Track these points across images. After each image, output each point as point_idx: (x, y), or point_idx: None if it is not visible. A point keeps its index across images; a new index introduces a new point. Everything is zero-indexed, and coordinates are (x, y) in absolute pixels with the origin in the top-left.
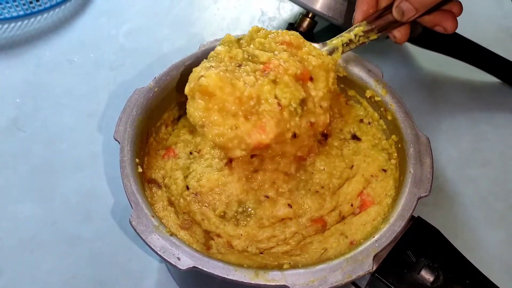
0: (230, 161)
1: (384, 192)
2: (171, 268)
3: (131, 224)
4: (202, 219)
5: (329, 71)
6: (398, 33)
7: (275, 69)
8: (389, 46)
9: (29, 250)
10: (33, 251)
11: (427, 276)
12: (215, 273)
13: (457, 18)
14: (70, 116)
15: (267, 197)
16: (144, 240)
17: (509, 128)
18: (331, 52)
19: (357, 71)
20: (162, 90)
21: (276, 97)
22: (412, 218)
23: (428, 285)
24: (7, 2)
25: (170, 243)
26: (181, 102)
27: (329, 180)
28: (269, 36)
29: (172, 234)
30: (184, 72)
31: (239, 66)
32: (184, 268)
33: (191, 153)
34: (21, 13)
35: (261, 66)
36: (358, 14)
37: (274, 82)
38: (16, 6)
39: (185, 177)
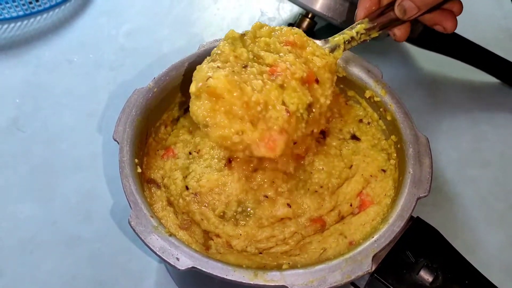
0: (229, 161)
1: (384, 192)
2: (170, 268)
3: (130, 224)
4: (202, 219)
5: (333, 72)
6: (398, 31)
7: (283, 73)
8: (389, 46)
9: (29, 250)
10: (33, 251)
11: (426, 276)
12: (214, 274)
13: (457, 18)
14: (70, 116)
15: (266, 196)
16: (143, 241)
17: (509, 128)
18: (332, 50)
19: (357, 71)
20: (162, 90)
21: (283, 103)
22: (411, 218)
23: (427, 285)
24: (7, 3)
25: (169, 243)
26: (181, 102)
27: (328, 180)
28: (273, 33)
29: (171, 234)
30: (188, 71)
31: (245, 67)
32: (183, 268)
33: (190, 153)
34: (21, 13)
35: (267, 69)
36: (360, 11)
37: (282, 87)
38: (16, 6)
39: (185, 177)
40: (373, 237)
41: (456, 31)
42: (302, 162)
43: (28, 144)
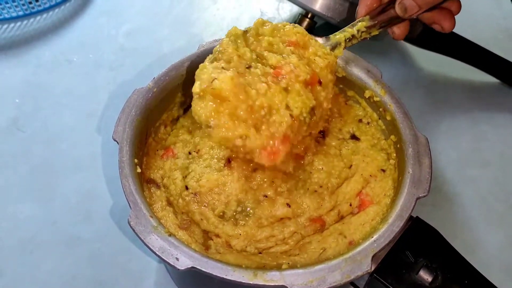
0: (229, 161)
1: (383, 192)
2: (170, 268)
3: (130, 224)
4: (201, 219)
5: (333, 71)
6: (398, 30)
7: (287, 75)
8: (389, 46)
9: (29, 250)
10: (33, 251)
11: (425, 276)
12: (214, 274)
13: (457, 18)
14: (70, 116)
15: (266, 196)
16: (142, 241)
17: (509, 128)
18: (333, 48)
19: (356, 71)
20: (161, 90)
21: (287, 106)
22: (410, 218)
23: (426, 285)
24: (7, 3)
25: (168, 243)
26: (181, 102)
27: (328, 180)
28: (276, 31)
29: (170, 234)
30: (187, 70)
31: (249, 67)
32: (182, 268)
33: (190, 153)
34: (21, 13)
35: (271, 70)
36: (361, 8)
37: (286, 90)
38: (16, 6)
39: (184, 177)
40: (372, 237)
41: (456, 31)
42: (301, 161)
43: (28, 144)
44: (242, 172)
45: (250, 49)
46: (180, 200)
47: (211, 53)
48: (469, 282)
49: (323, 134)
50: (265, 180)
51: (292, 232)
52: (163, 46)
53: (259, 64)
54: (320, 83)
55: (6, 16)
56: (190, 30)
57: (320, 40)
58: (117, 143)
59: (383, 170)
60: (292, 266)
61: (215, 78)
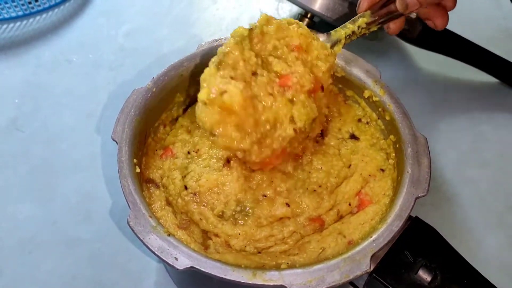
0: (228, 161)
1: (382, 192)
2: (169, 268)
3: (129, 224)
4: (200, 219)
5: (333, 71)
6: (393, 25)
7: (293, 86)
8: (389, 46)
9: (28, 251)
10: (33, 252)
11: (424, 276)
12: (213, 273)
13: (457, 18)
14: (70, 116)
15: (265, 196)
16: (141, 240)
17: (508, 128)
18: (333, 44)
19: (356, 71)
20: (161, 90)
21: (292, 119)
22: (410, 218)
23: (425, 285)
24: (6, 3)
25: (167, 243)
26: (180, 102)
27: (327, 179)
28: (280, 30)
29: (169, 234)
30: (187, 70)
31: (254, 74)
32: (181, 268)
33: (189, 152)
34: (20, 13)
35: (277, 80)
36: (363, 3)
37: (291, 101)
38: (15, 6)
39: (183, 177)
40: (371, 236)
41: (456, 31)
42: (300, 161)
43: (27, 144)
44: (241, 171)
45: (255, 53)
46: (179, 200)
47: (213, 52)
48: (468, 282)
49: (322, 133)
50: (264, 179)
51: (291, 232)
52: (163, 46)
53: (265, 71)
54: (322, 89)
55: (6, 16)
56: (190, 30)
57: (321, 37)
58: (116, 143)
59: (382, 170)
60: (291, 266)
61: (225, 91)
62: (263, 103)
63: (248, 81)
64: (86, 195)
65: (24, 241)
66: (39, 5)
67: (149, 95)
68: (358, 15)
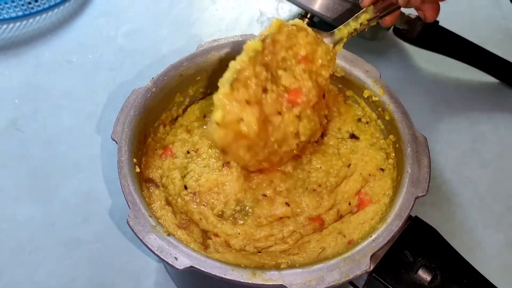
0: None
1: (382, 191)
2: (169, 268)
3: (129, 224)
4: (200, 219)
5: (332, 71)
6: (389, 17)
7: (302, 104)
8: (389, 46)
9: (27, 252)
10: (32, 253)
11: (424, 275)
12: (213, 273)
13: (457, 18)
14: (69, 116)
15: (265, 195)
16: (141, 240)
17: (508, 128)
18: (335, 44)
19: (355, 71)
20: (160, 90)
21: (297, 133)
22: (409, 217)
23: (425, 284)
24: (6, 3)
25: (167, 242)
26: (180, 102)
27: (326, 179)
28: (289, 38)
29: (169, 234)
30: (186, 70)
31: (265, 90)
32: (181, 268)
33: (188, 152)
34: (20, 13)
35: (286, 95)
36: None
37: (299, 117)
38: (15, 6)
39: (183, 176)
40: (371, 236)
41: (456, 31)
42: (300, 161)
43: (27, 145)
44: (241, 171)
45: (265, 64)
46: (179, 200)
47: (212, 50)
48: (468, 282)
49: (322, 133)
50: (264, 179)
51: (291, 231)
52: (162, 46)
53: (274, 86)
54: (323, 96)
55: (6, 16)
56: (189, 30)
57: (325, 38)
58: (116, 143)
59: (382, 169)
60: (291, 266)
61: (242, 119)
62: (273, 123)
63: (260, 101)
64: (86, 195)
65: (23, 243)
66: (39, 6)
67: (148, 95)
68: (361, 11)
